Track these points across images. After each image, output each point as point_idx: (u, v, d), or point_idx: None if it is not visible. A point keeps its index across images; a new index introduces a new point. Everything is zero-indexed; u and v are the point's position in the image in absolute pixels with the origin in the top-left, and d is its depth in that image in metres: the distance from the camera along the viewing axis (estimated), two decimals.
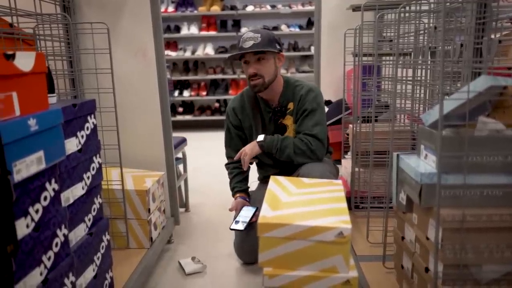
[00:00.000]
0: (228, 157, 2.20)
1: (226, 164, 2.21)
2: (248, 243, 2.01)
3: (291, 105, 2.00)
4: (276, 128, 2.03)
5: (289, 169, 2.01)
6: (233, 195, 2.13)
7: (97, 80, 1.99)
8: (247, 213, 1.95)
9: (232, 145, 2.16)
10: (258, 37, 1.88)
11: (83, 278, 1.33)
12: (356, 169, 2.21)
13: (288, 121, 2.01)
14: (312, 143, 1.90)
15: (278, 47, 1.95)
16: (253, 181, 2.27)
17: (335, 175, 2.00)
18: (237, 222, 1.92)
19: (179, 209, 2.51)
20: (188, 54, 5.90)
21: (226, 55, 5.81)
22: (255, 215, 1.92)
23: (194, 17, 5.94)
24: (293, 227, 1.19)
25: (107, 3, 2.14)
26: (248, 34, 1.91)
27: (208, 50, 5.85)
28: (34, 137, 0.98)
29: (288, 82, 2.04)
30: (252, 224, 1.89)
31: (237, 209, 2.02)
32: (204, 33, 5.83)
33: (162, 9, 5.68)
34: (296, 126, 1.99)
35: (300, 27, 5.89)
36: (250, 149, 1.95)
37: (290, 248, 1.21)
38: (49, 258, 1.08)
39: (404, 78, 1.97)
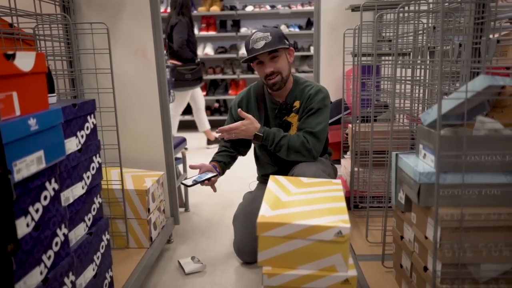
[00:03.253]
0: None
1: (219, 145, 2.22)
2: (247, 243, 2.02)
3: (297, 103, 2.01)
4: (280, 125, 2.03)
5: (288, 167, 2.01)
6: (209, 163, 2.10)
7: (97, 80, 1.99)
8: (204, 175, 1.92)
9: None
10: (268, 36, 1.89)
11: (83, 278, 1.33)
12: (356, 169, 2.21)
13: (293, 119, 2.02)
14: (309, 141, 1.90)
15: (287, 42, 1.97)
16: (253, 181, 2.28)
17: (331, 175, 1.99)
18: (190, 179, 1.89)
19: (179, 209, 2.52)
20: None
21: (226, 56, 5.83)
22: (211, 179, 1.92)
23: (194, 17, 5.91)
24: (292, 226, 1.19)
25: (106, 3, 2.14)
26: (258, 35, 1.91)
27: (207, 50, 5.85)
28: (34, 137, 0.98)
29: (298, 81, 2.06)
30: (250, 223, 1.89)
31: (201, 170, 1.99)
32: (203, 33, 5.83)
33: (162, 10, 5.69)
34: (299, 123, 1.99)
35: (300, 27, 5.89)
36: (245, 133, 1.92)
37: (289, 247, 1.21)
38: (49, 258, 1.09)
39: (403, 78, 1.97)
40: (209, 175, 1.93)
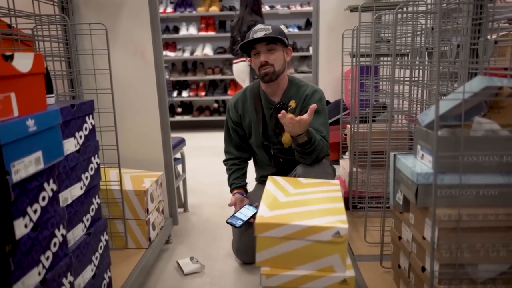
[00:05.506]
0: (226, 152, 2.22)
1: (224, 160, 2.23)
2: (246, 243, 2.02)
3: (292, 103, 2.01)
4: (276, 125, 2.04)
5: (286, 168, 2.02)
6: (231, 191, 2.16)
7: (95, 80, 1.99)
8: (247, 212, 1.96)
9: (232, 141, 2.19)
10: (269, 29, 1.93)
11: (82, 278, 1.33)
12: (354, 169, 2.21)
13: None
14: (327, 146, 1.92)
15: (287, 41, 1.98)
16: (251, 182, 2.28)
17: (332, 175, 2.00)
18: (234, 217, 1.94)
19: (178, 209, 2.52)
20: (187, 54, 5.90)
21: (225, 56, 5.83)
22: (254, 216, 1.93)
23: (193, 18, 5.94)
24: (290, 227, 1.20)
25: (105, 4, 2.15)
26: (259, 26, 1.95)
27: (206, 51, 5.85)
28: (33, 138, 0.98)
29: (293, 81, 2.06)
30: (248, 224, 1.91)
31: (236, 205, 2.05)
32: (202, 33, 5.84)
33: (161, 10, 5.69)
34: None
35: (299, 28, 5.90)
36: (298, 126, 1.74)
37: (287, 248, 1.21)
38: (47, 258, 1.09)
39: (401, 79, 1.98)
40: (252, 211, 1.96)
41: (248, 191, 2.22)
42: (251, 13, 4.28)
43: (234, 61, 4.47)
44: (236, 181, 2.15)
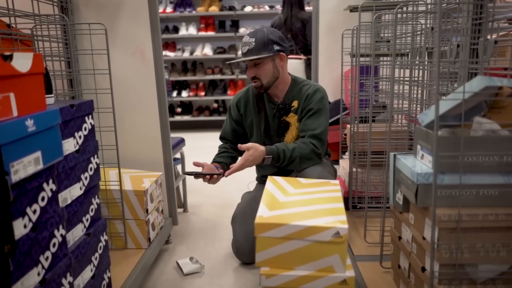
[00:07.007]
0: (220, 137, 2.22)
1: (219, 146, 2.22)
2: (246, 243, 2.01)
3: (295, 103, 2.01)
4: (278, 125, 2.03)
5: (288, 169, 2.01)
6: None
7: (95, 80, 1.99)
8: (207, 170, 1.93)
9: (228, 135, 2.18)
10: (252, 42, 1.91)
11: (81, 279, 1.33)
12: (354, 169, 2.21)
13: (292, 119, 2.02)
14: (316, 145, 1.91)
15: (276, 47, 1.94)
16: (251, 181, 2.28)
17: (333, 176, 2.01)
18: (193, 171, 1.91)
19: (177, 209, 2.51)
20: (186, 54, 5.90)
21: (225, 56, 5.83)
22: (213, 177, 1.88)
23: (193, 18, 5.94)
24: (290, 227, 1.19)
25: (105, 4, 2.14)
26: (245, 39, 1.94)
27: (206, 51, 5.85)
28: (32, 138, 0.98)
29: (296, 81, 2.06)
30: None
31: (203, 168, 1.95)
32: (202, 33, 5.83)
33: (160, 10, 5.68)
34: (300, 125, 1.99)
35: None
36: (255, 162, 1.86)
37: (287, 248, 1.21)
38: (46, 259, 1.09)
39: (401, 79, 1.98)
40: (214, 172, 1.93)
41: (249, 190, 2.22)
42: (299, 11, 4.30)
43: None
44: (218, 157, 2.10)
